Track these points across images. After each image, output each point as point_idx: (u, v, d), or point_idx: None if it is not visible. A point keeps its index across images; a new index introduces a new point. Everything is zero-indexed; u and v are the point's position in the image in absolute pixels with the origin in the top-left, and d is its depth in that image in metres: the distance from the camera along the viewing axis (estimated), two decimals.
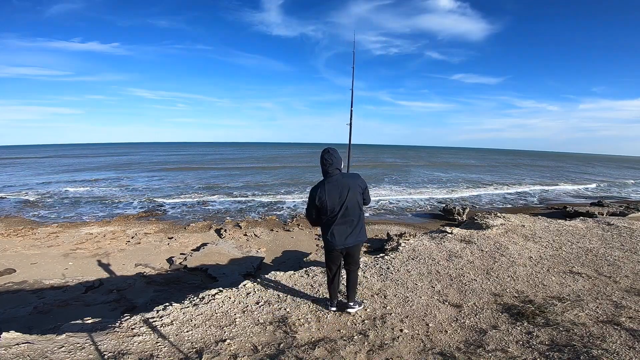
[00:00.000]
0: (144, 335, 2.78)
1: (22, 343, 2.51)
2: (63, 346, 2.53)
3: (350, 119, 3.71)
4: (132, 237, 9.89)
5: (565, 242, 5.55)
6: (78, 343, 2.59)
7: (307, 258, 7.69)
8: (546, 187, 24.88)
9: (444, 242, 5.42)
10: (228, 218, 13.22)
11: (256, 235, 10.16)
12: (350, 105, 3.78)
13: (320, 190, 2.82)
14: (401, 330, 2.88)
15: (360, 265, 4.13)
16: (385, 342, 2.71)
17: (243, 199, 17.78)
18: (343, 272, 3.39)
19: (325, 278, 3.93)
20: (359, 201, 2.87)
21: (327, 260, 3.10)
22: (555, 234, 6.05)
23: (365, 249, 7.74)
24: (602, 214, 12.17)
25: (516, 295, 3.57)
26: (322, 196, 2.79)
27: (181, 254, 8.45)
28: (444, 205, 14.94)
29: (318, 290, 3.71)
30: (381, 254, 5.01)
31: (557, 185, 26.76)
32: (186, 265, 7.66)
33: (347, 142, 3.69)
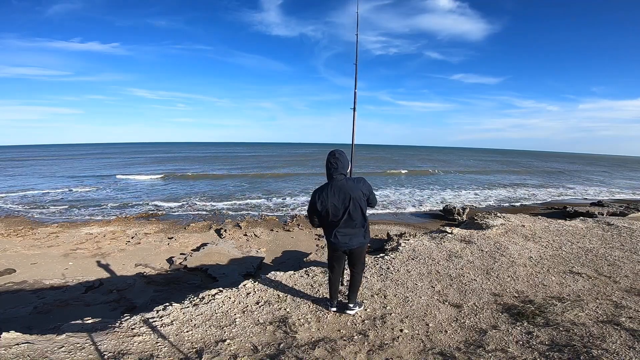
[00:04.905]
0: (144, 335, 2.78)
1: (22, 343, 2.51)
2: (63, 346, 2.53)
3: (355, 103, 3.44)
4: (132, 237, 9.89)
5: (565, 242, 5.55)
6: (78, 343, 2.59)
7: (307, 258, 7.68)
8: (546, 188, 24.87)
9: (444, 242, 5.42)
10: (228, 218, 13.22)
11: (256, 235, 10.15)
12: (354, 87, 3.46)
13: (323, 194, 2.77)
14: (401, 330, 2.89)
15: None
16: (385, 342, 2.71)
17: (243, 199, 17.77)
18: (346, 273, 3.40)
19: (326, 278, 3.94)
20: (363, 207, 2.82)
21: (330, 260, 3.09)
22: (555, 234, 6.05)
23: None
24: (602, 214, 12.15)
25: (516, 295, 3.57)
26: (324, 201, 2.75)
27: (181, 254, 8.45)
28: (444, 205, 14.94)
29: (318, 290, 3.71)
30: (381, 254, 5.01)
31: (559, 186, 26.75)
32: (186, 265, 7.66)
33: (349, 142, 3.60)
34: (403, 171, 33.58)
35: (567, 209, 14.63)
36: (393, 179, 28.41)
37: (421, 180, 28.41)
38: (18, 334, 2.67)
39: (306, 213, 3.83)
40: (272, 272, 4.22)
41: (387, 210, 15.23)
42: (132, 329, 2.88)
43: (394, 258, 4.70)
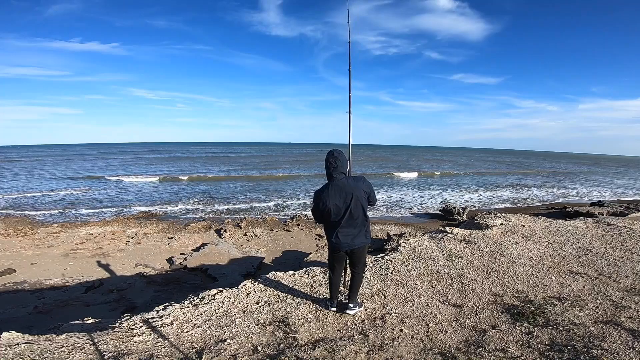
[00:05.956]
0: (144, 335, 2.78)
1: (22, 343, 2.51)
2: (63, 346, 2.53)
3: (350, 106, 3.48)
4: (132, 237, 9.89)
5: (565, 242, 5.55)
6: (78, 343, 2.59)
7: (307, 258, 7.69)
8: (547, 188, 24.86)
9: (444, 242, 5.42)
10: (228, 218, 13.22)
11: (256, 235, 10.15)
12: (348, 90, 3.51)
13: (324, 194, 2.78)
14: (401, 330, 2.89)
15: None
16: (385, 342, 2.71)
17: (243, 199, 17.77)
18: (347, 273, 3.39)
19: (326, 278, 3.94)
20: (364, 205, 2.83)
21: (332, 260, 3.09)
22: (555, 234, 6.05)
23: None
24: (602, 214, 12.16)
25: (516, 295, 3.57)
26: (326, 201, 2.76)
27: (181, 254, 8.45)
28: (444, 205, 14.95)
29: (318, 290, 3.71)
30: (381, 254, 5.00)
31: (559, 187, 26.71)
32: (186, 265, 7.66)
33: (347, 142, 3.63)
34: (411, 174, 32.18)
35: (567, 209, 14.63)
36: (393, 180, 28.41)
37: (423, 180, 28.42)
38: (18, 334, 2.67)
39: (307, 213, 3.82)
40: (272, 272, 4.21)
41: (388, 210, 15.23)
42: (132, 329, 2.87)
43: (394, 258, 4.70)
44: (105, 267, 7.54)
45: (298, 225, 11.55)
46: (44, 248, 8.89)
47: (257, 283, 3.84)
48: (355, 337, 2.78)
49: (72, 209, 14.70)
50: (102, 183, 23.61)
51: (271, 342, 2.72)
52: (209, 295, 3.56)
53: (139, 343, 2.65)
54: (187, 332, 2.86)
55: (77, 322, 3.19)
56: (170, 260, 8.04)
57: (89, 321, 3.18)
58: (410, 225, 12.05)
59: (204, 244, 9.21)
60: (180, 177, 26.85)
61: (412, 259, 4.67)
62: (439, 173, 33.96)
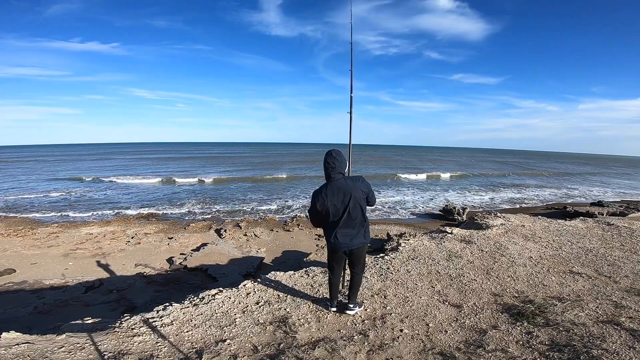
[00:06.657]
0: (144, 335, 2.78)
1: (22, 343, 2.51)
2: (63, 346, 2.53)
3: (351, 107, 3.50)
4: (132, 237, 9.89)
5: (565, 242, 5.55)
6: (78, 343, 2.59)
7: (307, 258, 7.68)
8: (548, 189, 24.84)
9: (444, 242, 5.42)
10: (228, 218, 13.23)
11: (256, 235, 10.15)
12: (350, 91, 3.53)
13: (322, 194, 2.77)
14: (401, 330, 2.89)
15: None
16: (385, 342, 2.71)
17: (243, 199, 17.77)
18: (346, 273, 3.39)
19: (326, 278, 3.94)
20: (362, 205, 2.82)
21: (330, 261, 3.08)
22: (555, 234, 6.05)
23: None
24: (602, 214, 12.16)
25: (516, 295, 3.57)
26: (324, 201, 2.75)
27: (181, 254, 8.45)
28: (444, 205, 14.95)
29: (318, 290, 3.71)
30: (381, 254, 5.00)
31: (560, 187, 26.67)
32: (186, 265, 7.66)
33: (348, 142, 3.64)
34: (412, 175, 30.81)
35: (567, 209, 14.63)
36: (394, 180, 28.41)
37: (424, 181, 28.41)
38: (18, 334, 2.67)
39: (306, 214, 3.82)
40: (272, 272, 4.22)
41: (388, 211, 15.22)
42: (132, 329, 2.88)
43: (394, 258, 4.70)
44: (105, 267, 7.54)
45: (298, 225, 11.54)
46: (44, 248, 8.89)
47: (257, 283, 3.84)
48: (355, 337, 2.78)
49: (72, 209, 14.69)
50: (102, 183, 23.61)
51: (271, 342, 2.72)
52: (209, 295, 3.56)
53: (139, 343, 2.65)
54: (187, 332, 2.86)
55: (77, 322, 3.19)
56: (170, 260, 8.04)
57: (89, 321, 3.18)
58: (410, 225, 12.05)
59: (204, 244, 9.21)
60: (180, 178, 26.84)
61: (412, 259, 4.67)
62: (447, 175, 32.40)
